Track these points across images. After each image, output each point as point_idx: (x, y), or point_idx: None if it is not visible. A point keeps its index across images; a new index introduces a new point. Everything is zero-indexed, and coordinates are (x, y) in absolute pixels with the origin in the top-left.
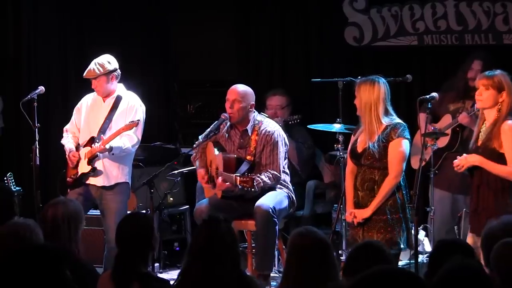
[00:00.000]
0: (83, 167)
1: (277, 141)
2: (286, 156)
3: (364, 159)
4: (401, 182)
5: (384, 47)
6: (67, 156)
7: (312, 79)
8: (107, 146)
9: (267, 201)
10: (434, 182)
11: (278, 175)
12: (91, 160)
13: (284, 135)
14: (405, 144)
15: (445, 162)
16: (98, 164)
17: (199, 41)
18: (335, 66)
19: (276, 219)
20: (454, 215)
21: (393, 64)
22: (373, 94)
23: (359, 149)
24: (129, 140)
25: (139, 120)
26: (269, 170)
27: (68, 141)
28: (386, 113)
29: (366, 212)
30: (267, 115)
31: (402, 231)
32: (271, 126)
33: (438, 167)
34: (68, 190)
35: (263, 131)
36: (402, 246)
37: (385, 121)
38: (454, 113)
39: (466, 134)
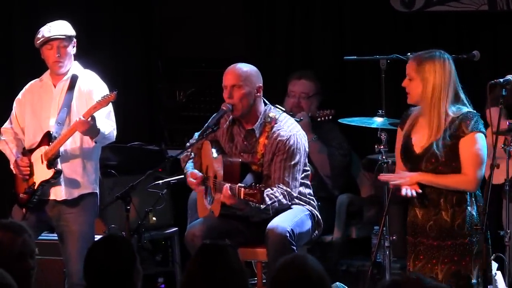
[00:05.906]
0: (42, 174)
1: (293, 149)
2: (302, 167)
3: (426, 163)
4: (478, 193)
5: (442, 13)
6: (12, 166)
7: (345, 57)
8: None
9: (284, 221)
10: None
11: (291, 192)
12: (52, 161)
13: (305, 141)
14: (481, 140)
15: None
16: None
17: (193, 5)
18: (376, 39)
19: (294, 247)
20: None
21: (455, 36)
22: (444, 76)
23: (418, 149)
24: (109, 125)
25: (116, 90)
26: (280, 186)
27: (9, 146)
28: (457, 100)
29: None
30: (283, 109)
31: (474, 261)
32: (286, 127)
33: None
34: (24, 210)
35: (275, 135)
36: (473, 281)
37: (451, 111)
38: None
39: None
